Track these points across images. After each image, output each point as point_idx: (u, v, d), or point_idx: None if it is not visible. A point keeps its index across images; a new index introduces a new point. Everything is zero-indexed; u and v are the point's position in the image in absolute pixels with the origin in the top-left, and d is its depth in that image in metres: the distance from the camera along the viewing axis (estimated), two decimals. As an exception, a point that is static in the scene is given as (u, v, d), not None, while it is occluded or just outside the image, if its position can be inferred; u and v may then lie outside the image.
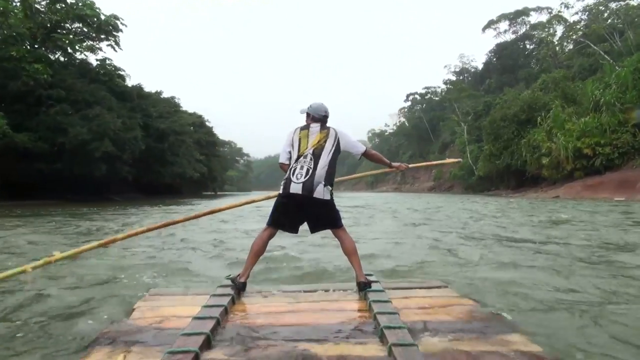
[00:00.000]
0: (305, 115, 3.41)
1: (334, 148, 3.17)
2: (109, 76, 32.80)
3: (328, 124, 3.36)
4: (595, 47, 44.37)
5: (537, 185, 35.53)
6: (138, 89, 37.63)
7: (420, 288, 3.31)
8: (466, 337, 2.23)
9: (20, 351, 2.55)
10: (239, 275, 3.18)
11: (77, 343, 2.63)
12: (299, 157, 3.13)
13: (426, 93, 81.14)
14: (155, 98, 41.87)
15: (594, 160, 29.49)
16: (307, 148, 3.15)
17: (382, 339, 2.16)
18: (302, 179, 3.02)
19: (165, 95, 47.38)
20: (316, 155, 3.11)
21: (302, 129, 3.29)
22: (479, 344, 2.14)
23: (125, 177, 32.09)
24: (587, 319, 3.04)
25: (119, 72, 35.29)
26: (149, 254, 5.93)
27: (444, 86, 76.91)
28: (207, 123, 61.01)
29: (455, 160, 5.29)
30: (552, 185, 32.74)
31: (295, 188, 3.02)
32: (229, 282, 3.22)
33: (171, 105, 46.14)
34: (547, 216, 12.35)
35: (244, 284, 3.14)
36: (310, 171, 3.04)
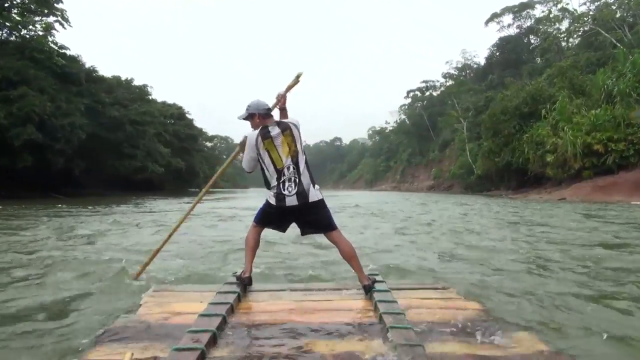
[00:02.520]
0: (248, 118, 3.23)
1: (301, 144, 3.15)
2: (47, 54, 28.56)
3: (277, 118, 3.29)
4: (606, 35, 40.74)
5: (540, 185, 32.08)
6: (88, 71, 33.47)
7: (424, 289, 3.26)
8: (471, 338, 2.22)
9: (26, 346, 2.51)
10: (242, 272, 3.23)
11: (84, 338, 2.55)
12: (280, 170, 3.06)
13: (425, 88, 77.84)
14: (111, 83, 37.55)
15: (606, 157, 26.00)
16: (282, 160, 3.07)
17: (388, 338, 2.17)
18: (294, 190, 3.03)
19: (137, 83, 43.63)
20: (295, 162, 3.08)
21: (262, 137, 3.10)
22: (484, 345, 2.13)
23: (70, 170, 28.10)
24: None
25: (64, 50, 31.03)
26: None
27: (443, 80, 74.24)
28: (187, 115, 57.35)
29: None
30: (558, 186, 29.13)
31: (291, 201, 3.04)
32: (234, 279, 3.20)
33: (135, 92, 41.88)
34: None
35: (250, 279, 3.19)
36: (298, 180, 3.05)
